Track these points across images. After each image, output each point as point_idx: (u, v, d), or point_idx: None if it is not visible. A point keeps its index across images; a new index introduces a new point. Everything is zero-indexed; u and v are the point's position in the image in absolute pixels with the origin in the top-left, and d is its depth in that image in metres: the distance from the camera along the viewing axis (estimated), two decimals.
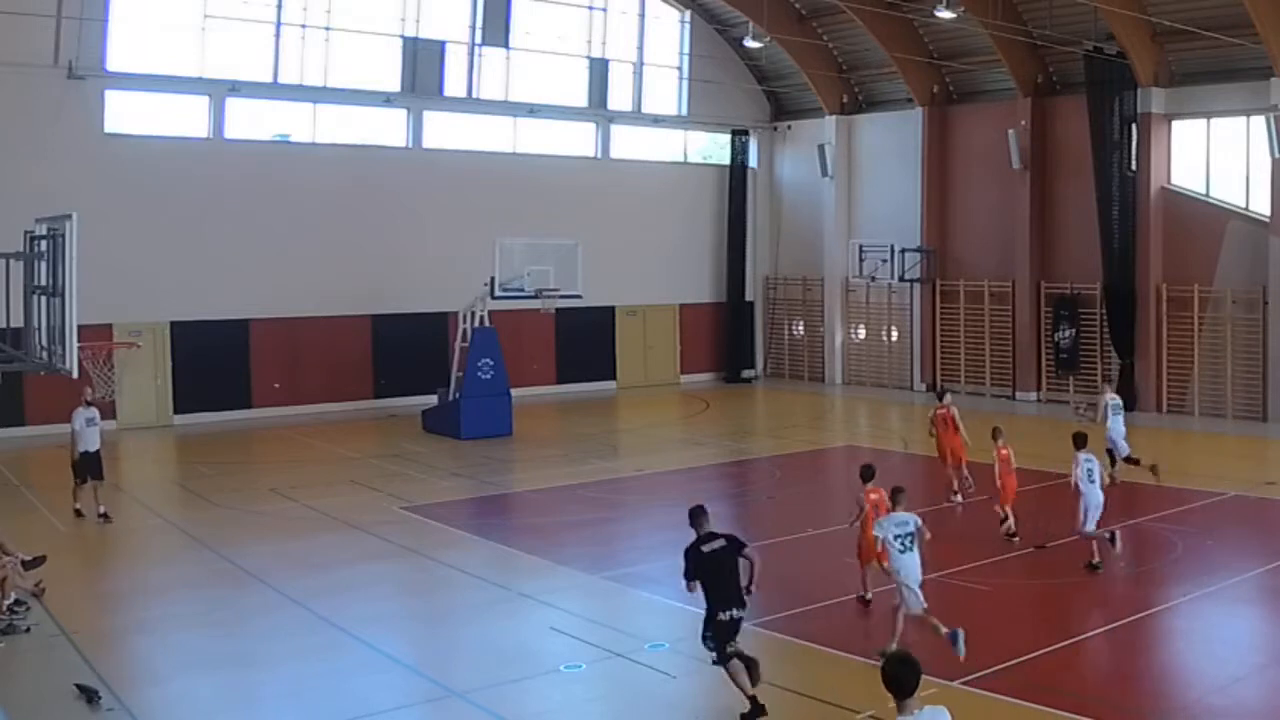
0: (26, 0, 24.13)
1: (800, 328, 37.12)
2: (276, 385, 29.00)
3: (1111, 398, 20.30)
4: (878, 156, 34.88)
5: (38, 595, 13.43)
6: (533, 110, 32.89)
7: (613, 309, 34.19)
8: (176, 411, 27.77)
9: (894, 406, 31.57)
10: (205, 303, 27.68)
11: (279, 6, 28.72)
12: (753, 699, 10.08)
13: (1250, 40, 24.98)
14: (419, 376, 29.16)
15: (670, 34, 35.65)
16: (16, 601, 13.01)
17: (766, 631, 12.53)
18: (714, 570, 10.40)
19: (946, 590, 14.20)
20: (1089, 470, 14.91)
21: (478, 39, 31.85)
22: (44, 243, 10.59)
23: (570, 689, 11.31)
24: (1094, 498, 14.79)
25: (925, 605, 11.61)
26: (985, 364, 32.22)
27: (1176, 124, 28.29)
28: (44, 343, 10.62)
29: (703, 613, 10.58)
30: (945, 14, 26.19)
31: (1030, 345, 31.03)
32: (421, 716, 10.85)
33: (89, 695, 10.65)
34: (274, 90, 29.08)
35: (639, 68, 35.00)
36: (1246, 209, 27.29)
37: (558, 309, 27.81)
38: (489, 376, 25.75)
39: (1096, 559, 14.71)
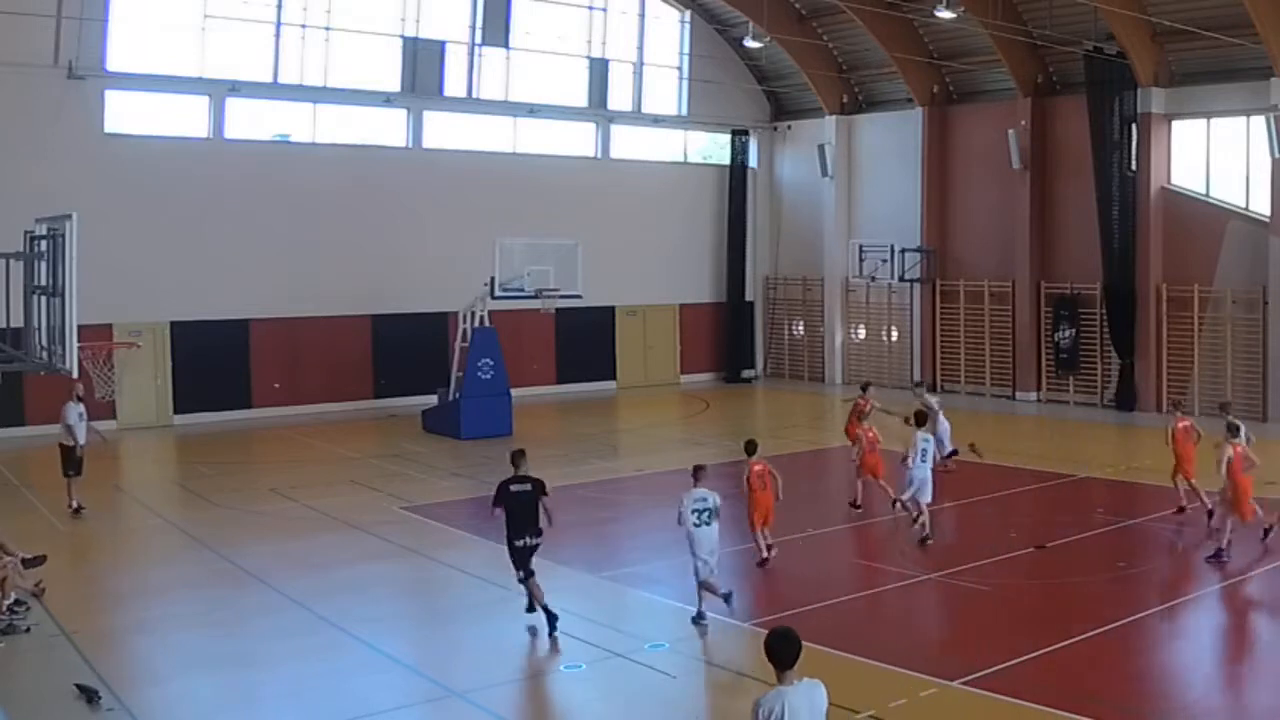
0: (26, 0, 24.12)
1: (800, 328, 37.12)
2: (276, 385, 29.00)
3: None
4: (878, 156, 34.87)
5: (38, 595, 13.43)
6: (533, 110, 32.89)
7: (613, 309, 34.18)
8: (176, 411, 27.77)
9: (894, 406, 31.49)
10: (205, 303, 27.67)
11: (279, 6, 28.72)
12: (545, 607, 12.56)
13: (1250, 40, 24.98)
14: (419, 376, 29.16)
15: (670, 34, 35.65)
16: (16, 601, 13.01)
17: (767, 631, 12.52)
18: (517, 506, 12.67)
19: (947, 590, 14.23)
20: (924, 450, 16.44)
21: (478, 39, 31.85)
22: (44, 243, 10.59)
23: (570, 689, 11.32)
24: (919, 473, 16.30)
25: (715, 573, 13.01)
26: (985, 364, 32.22)
27: (1176, 124, 28.28)
28: (44, 343, 10.62)
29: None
30: (945, 14, 26.19)
31: (1030, 345, 31.03)
32: (421, 716, 10.86)
33: (89, 695, 10.65)
34: (274, 90, 29.08)
35: (639, 68, 35.00)
36: (1246, 209, 27.28)
37: (558, 309, 27.80)
38: (489, 376, 25.75)
39: (919, 529, 16.23)
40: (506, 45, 32.25)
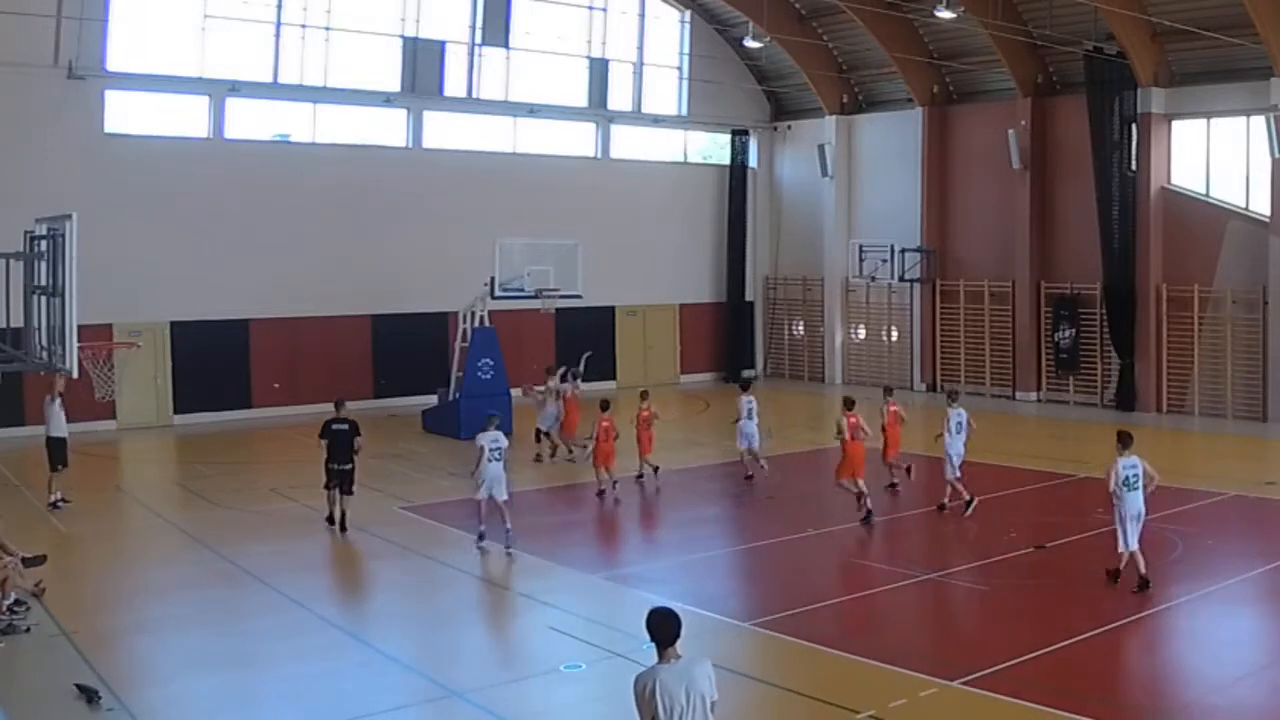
0: (26, 0, 24.12)
1: (800, 328, 37.12)
2: (276, 385, 28.99)
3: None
4: (878, 156, 34.88)
5: (38, 595, 13.42)
6: (533, 110, 32.89)
7: (613, 309, 34.17)
8: (176, 411, 27.76)
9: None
10: (205, 303, 27.66)
11: (279, 6, 28.71)
12: (342, 516, 17.08)
13: (1250, 40, 24.98)
14: (419, 376, 29.15)
15: (670, 34, 35.65)
16: (16, 601, 13.00)
17: (767, 631, 12.55)
18: (334, 440, 16.95)
19: (947, 590, 14.24)
20: (957, 424, 18.15)
21: (478, 39, 31.85)
22: (44, 243, 10.60)
23: (570, 689, 11.32)
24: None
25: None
26: (985, 364, 32.22)
27: (1176, 124, 28.29)
28: (44, 343, 10.63)
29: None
30: (945, 14, 26.19)
31: (1030, 345, 31.03)
32: (421, 716, 10.86)
33: (89, 695, 10.65)
34: (274, 90, 29.07)
35: (639, 68, 35.00)
36: (1246, 209, 27.28)
37: (558, 309, 27.79)
38: (489, 376, 25.74)
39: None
40: (506, 45, 32.25)
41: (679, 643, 6.67)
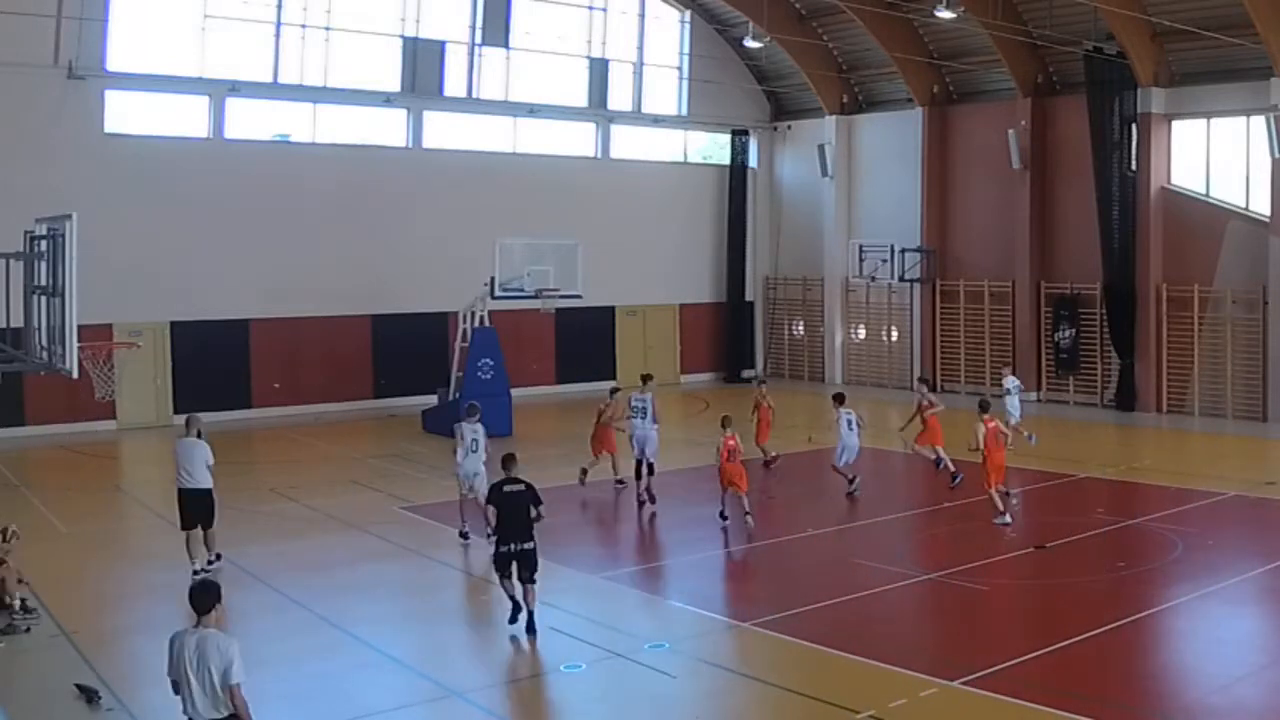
0: (26, 0, 24.12)
1: (800, 328, 37.12)
2: (276, 385, 28.99)
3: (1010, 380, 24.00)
4: (878, 156, 34.87)
5: (25, 582, 13.30)
6: (533, 110, 32.89)
7: (613, 309, 34.18)
8: (176, 411, 27.64)
9: (894, 406, 31.48)
10: (205, 303, 27.67)
11: (279, 6, 28.71)
12: (530, 616, 12.60)
13: (1250, 40, 24.98)
14: (419, 376, 29.15)
15: (670, 34, 35.65)
16: (24, 603, 12.97)
17: (766, 631, 12.55)
18: (507, 507, 12.64)
19: (946, 590, 14.23)
20: (848, 420, 19.46)
21: (478, 39, 31.85)
22: (44, 243, 10.60)
23: (570, 689, 11.31)
24: (849, 441, 19.39)
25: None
26: (985, 364, 32.19)
27: (1176, 124, 28.28)
28: (44, 343, 10.62)
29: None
30: (945, 14, 26.19)
31: (1030, 345, 31.02)
32: (421, 716, 10.85)
33: (89, 695, 10.65)
34: (274, 90, 29.07)
35: (639, 68, 35.00)
36: (1246, 209, 27.27)
37: (558, 309, 27.79)
38: (489, 376, 25.74)
39: (852, 488, 19.13)
40: (506, 45, 32.25)
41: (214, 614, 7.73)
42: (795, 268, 37.11)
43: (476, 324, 26.12)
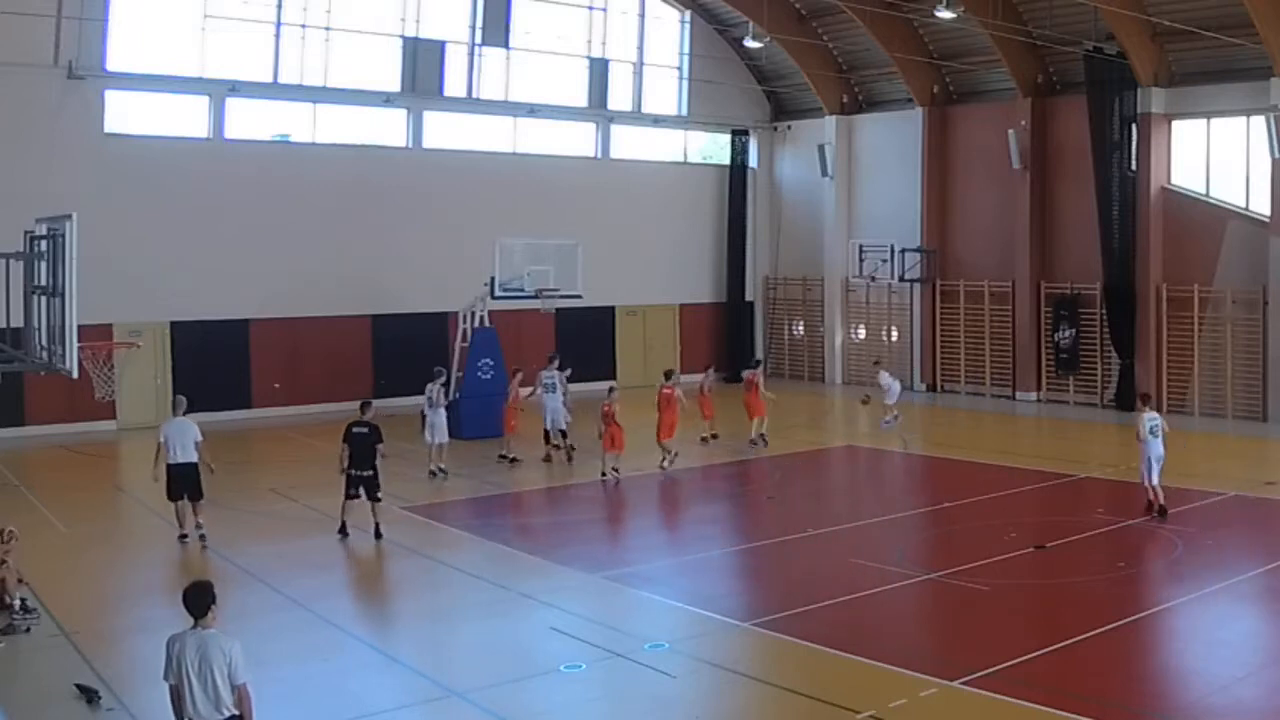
0: (26, 0, 24.12)
1: (800, 328, 37.12)
2: (276, 385, 28.98)
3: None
4: (878, 156, 34.87)
5: (25, 583, 13.30)
6: (533, 110, 32.89)
7: (613, 309, 34.16)
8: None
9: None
10: (205, 303, 27.65)
11: (279, 6, 28.69)
12: (376, 526, 16.74)
13: (1250, 40, 24.98)
14: (419, 376, 29.02)
15: (670, 34, 35.64)
16: (24, 603, 12.97)
17: (767, 631, 12.55)
18: (356, 444, 16.70)
19: (947, 590, 14.23)
20: (1151, 427, 17.79)
21: (478, 39, 31.84)
22: (44, 243, 10.60)
23: (570, 689, 11.31)
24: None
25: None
26: (985, 364, 32.21)
27: (1176, 124, 28.28)
28: (44, 343, 10.62)
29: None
30: (945, 14, 26.19)
31: (1030, 345, 31.02)
32: (421, 716, 10.85)
33: (89, 695, 10.65)
34: (274, 90, 29.06)
35: (639, 68, 35.00)
36: (1246, 209, 27.27)
37: (558, 309, 27.79)
38: (489, 376, 25.74)
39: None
40: (506, 45, 32.24)
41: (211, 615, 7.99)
42: (795, 268, 37.10)
43: (476, 324, 26.11)
